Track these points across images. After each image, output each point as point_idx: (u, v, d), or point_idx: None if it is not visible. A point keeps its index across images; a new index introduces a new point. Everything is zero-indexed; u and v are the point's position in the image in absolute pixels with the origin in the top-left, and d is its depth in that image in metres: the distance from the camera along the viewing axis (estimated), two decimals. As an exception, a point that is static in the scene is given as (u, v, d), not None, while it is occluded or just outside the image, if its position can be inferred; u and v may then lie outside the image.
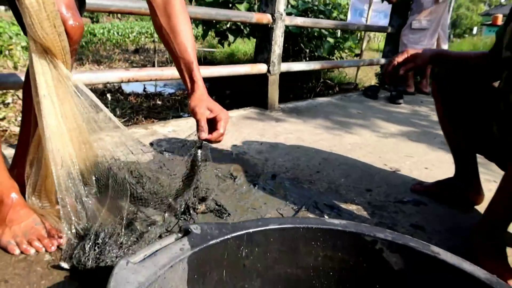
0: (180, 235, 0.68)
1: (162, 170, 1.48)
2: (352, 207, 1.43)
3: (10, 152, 1.54)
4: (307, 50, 6.01)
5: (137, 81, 1.91)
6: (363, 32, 6.51)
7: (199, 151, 1.05)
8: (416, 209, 1.45)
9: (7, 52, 7.06)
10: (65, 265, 0.91)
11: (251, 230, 0.72)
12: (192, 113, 1.01)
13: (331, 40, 6.03)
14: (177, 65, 1.08)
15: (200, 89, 1.04)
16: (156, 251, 0.63)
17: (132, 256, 0.59)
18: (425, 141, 2.32)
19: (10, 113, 3.99)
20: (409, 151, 2.12)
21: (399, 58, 1.33)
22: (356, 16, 6.85)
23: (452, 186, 1.51)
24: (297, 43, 6.05)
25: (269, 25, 2.56)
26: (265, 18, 2.51)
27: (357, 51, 7.00)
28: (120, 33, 13.40)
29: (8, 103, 4.21)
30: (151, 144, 1.88)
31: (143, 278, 0.56)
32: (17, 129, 3.72)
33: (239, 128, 2.28)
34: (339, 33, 6.30)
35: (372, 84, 4.52)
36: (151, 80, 2.04)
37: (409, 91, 3.80)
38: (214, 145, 1.92)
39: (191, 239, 0.66)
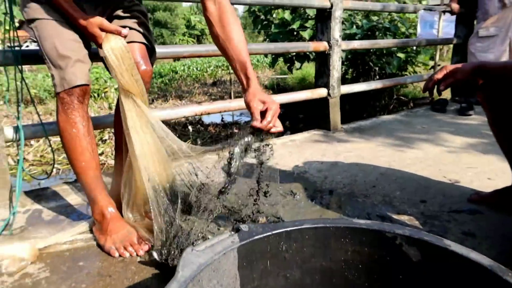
0: (232, 232, 0.89)
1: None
2: (404, 218, 1.52)
3: (108, 179, 1.90)
4: (376, 68, 6.02)
5: (208, 113, 2.21)
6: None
7: (251, 137, 1.14)
8: (470, 218, 1.49)
9: (103, 94, 8.12)
10: (155, 255, 1.16)
11: (288, 229, 0.90)
12: (247, 107, 1.13)
13: (401, 55, 5.97)
14: (233, 68, 1.22)
15: (254, 84, 1.16)
16: (214, 243, 0.84)
17: (196, 246, 0.81)
18: (492, 152, 2.27)
19: (107, 148, 4.63)
20: (472, 162, 2.11)
21: (438, 75, 1.41)
22: (426, 29, 6.67)
23: (510, 194, 1.51)
24: (366, 62, 6.09)
25: (326, 52, 2.74)
26: (322, 45, 2.70)
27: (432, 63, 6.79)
28: (198, 68, 14.46)
29: (105, 140, 4.88)
30: (222, 168, 2.14)
31: (203, 260, 0.77)
32: (113, 162, 4.30)
33: (302, 149, 2.46)
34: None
35: (441, 97, 4.40)
36: (220, 112, 2.33)
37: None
38: (278, 166, 2.12)
39: (240, 235, 0.86)
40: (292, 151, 2.43)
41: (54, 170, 4.11)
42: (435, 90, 1.38)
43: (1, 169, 1.65)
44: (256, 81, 1.19)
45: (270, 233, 0.88)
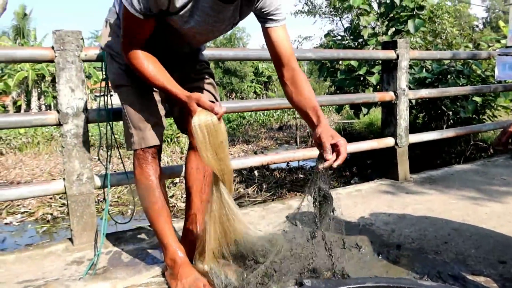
0: (296, 286, 0.92)
1: (294, 239, 1.75)
2: (480, 279, 1.42)
3: (180, 225, 2.03)
4: (450, 113, 5.76)
5: (274, 163, 2.29)
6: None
7: (321, 164, 1.21)
8: (557, 284, 1.36)
9: (175, 139, 8.66)
10: None
11: (350, 286, 0.91)
12: (318, 139, 1.23)
13: (477, 99, 5.67)
14: (305, 115, 1.35)
15: (324, 121, 1.27)
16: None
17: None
18: None
19: (178, 191, 4.89)
20: (560, 220, 1.93)
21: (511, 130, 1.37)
22: (505, 71, 6.30)
23: None
24: (438, 106, 5.86)
25: (393, 102, 2.74)
26: (388, 96, 2.71)
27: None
28: (265, 114, 14.88)
29: (176, 183, 5.15)
30: (287, 217, 2.18)
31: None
32: (182, 205, 4.51)
33: (368, 200, 2.42)
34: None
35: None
36: (285, 161, 2.40)
37: None
38: (343, 217, 2.11)
39: (303, 290, 0.90)
40: (357, 201, 2.40)
41: (129, 211, 4.43)
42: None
43: (90, 213, 1.85)
44: (326, 120, 1.29)
45: (331, 290, 0.90)
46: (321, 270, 1.48)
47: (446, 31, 8.52)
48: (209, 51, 2.03)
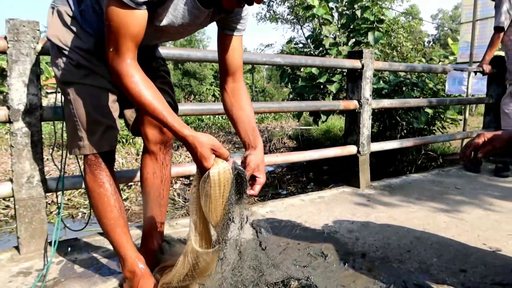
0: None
1: (260, 247, 1.70)
2: (444, 288, 1.45)
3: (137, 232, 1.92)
4: (404, 123, 5.99)
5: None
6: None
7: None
8: (515, 292, 1.41)
9: (131, 140, 8.34)
10: None
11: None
12: (245, 160, 1.26)
13: (429, 110, 5.94)
14: (240, 130, 1.34)
15: (260, 146, 1.30)
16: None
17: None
18: (534, 218, 2.18)
19: (132, 194, 4.69)
20: (512, 229, 2.02)
21: (476, 142, 1.41)
22: (455, 85, 6.66)
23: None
24: (393, 117, 6.08)
25: (356, 110, 2.78)
26: (352, 104, 2.75)
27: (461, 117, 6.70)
28: (223, 117, 14.75)
29: (131, 185, 4.95)
30: (251, 224, 2.13)
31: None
32: (137, 208, 4.33)
33: (331, 207, 2.42)
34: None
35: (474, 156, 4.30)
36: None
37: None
38: (307, 225, 2.09)
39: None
40: (321, 208, 2.40)
41: (80, 214, 4.19)
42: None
43: (40, 219, 1.70)
44: (261, 145, 1.31)
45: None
46: (288, 281, 1.45)
47: (401, 45, 8.89)
48: (167, 50, 1.94)
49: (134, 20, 1.07)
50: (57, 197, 1.78)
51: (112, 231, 1.33)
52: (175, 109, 1.51)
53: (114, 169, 1.41)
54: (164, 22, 1.18)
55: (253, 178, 1.26)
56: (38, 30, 1.63)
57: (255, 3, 1.13)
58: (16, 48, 1.59)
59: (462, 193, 2.75)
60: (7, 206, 4.20)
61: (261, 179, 1.26)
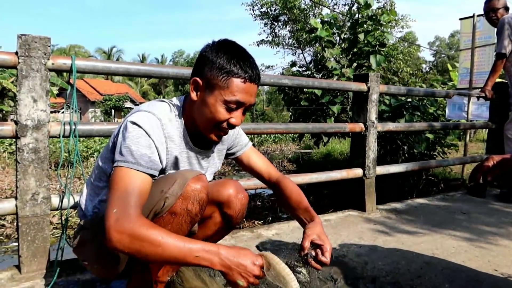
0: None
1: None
2: (458, 315, 1.40)
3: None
4: (405, 147, 5.99)
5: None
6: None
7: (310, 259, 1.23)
8: (533, 321, 1.36)
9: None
10: None
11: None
12: (304, 233, 1.27)
13: (430, 135, 5.95)
14: (297, 215, 1.40)
15: (317, 219, 1.33)
16: None
17: None
18: (543, 245, 2.14)
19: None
20: (523, 255, 1.98)
21: (486, 166, 1.40)
22: (455, 111, 6.70)
23: None
24: (394, 141, 6.09)
25: (362, 133, 2.78)
26: (358, 127, 2.75)
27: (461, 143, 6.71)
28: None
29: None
30: (257, 246, 2.09)
31: None
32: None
33: (338, 231, 2.38)
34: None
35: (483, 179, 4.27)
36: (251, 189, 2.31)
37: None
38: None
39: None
40: (327, 232, 2.32)
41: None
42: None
43: (43, 237, 1.66)
44: (318, 218, 1.35)
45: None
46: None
47: (401, 70, 9.01)
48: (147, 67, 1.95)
49: (141, 186, 1.04)
50: (61, 216, 1.74)
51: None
52: None
53: None
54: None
55: (317, 247, 1.25)
56: (49, 46, 1.64)
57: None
58: (27, 63, 1.59)
59: (469, 218, 2.72)
60: (3, 225, 4.12)
61: (327, 246, 1.24)
